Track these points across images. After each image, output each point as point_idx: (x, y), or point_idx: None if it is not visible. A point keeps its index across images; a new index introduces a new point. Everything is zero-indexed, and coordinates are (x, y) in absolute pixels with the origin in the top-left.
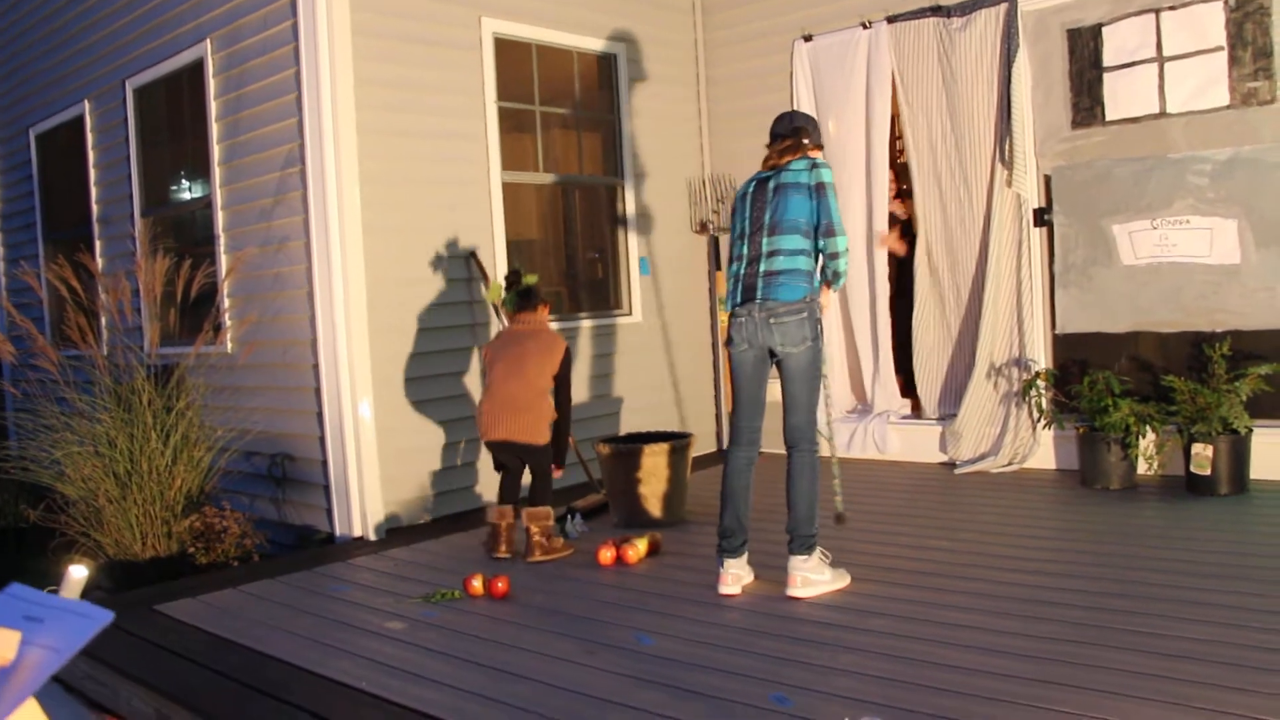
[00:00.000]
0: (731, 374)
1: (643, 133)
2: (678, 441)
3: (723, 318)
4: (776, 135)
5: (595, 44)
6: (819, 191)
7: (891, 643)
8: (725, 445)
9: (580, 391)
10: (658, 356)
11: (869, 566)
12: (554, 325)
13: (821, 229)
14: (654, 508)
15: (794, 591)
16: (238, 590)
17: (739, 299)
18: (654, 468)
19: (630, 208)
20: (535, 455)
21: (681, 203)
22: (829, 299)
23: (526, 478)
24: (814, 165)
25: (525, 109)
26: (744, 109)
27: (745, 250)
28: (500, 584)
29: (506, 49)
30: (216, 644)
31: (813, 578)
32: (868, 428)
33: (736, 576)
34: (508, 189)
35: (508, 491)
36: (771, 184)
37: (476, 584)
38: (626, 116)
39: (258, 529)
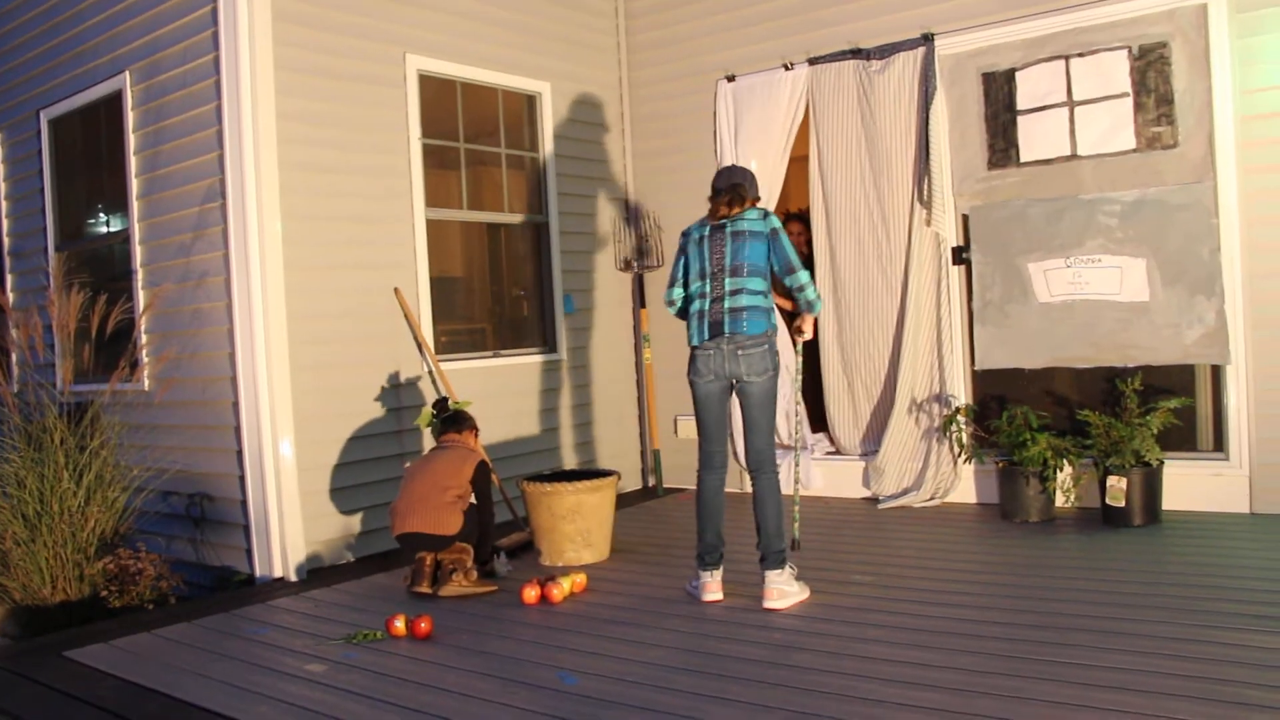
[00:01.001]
0: (697, 405)
1: (567, 171)
2: (602, 479)
3: (647, 353)
4: (719, 190)
5: (520, 82)
6: (773, 237)
7: (816, 677)
8: (654, 480)
9: (505, 429)
10: (582, 394)
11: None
12: (469, 447)
13: (783, 269)
14: (579, 546)
15: (771, 603)
16: (152, 634)
17: (706, 335)
18: (578, 505)
19: (554, 245)
20: (445, 543)
21: (606, 240)
22: (809, 324)
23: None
24: (766, 214)
25: (450, 146)
26: (669, 147)
27: (708, 289)
28: (423, 624)
29: (431, 86)
30: (130, 691)
31: (787, 590)
32: (811, 463)
33: (719, 585)
34: (432, 226)
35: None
36: (729, 230)
37: (399, 624)
38: (551, 155)
39: (175, 570)
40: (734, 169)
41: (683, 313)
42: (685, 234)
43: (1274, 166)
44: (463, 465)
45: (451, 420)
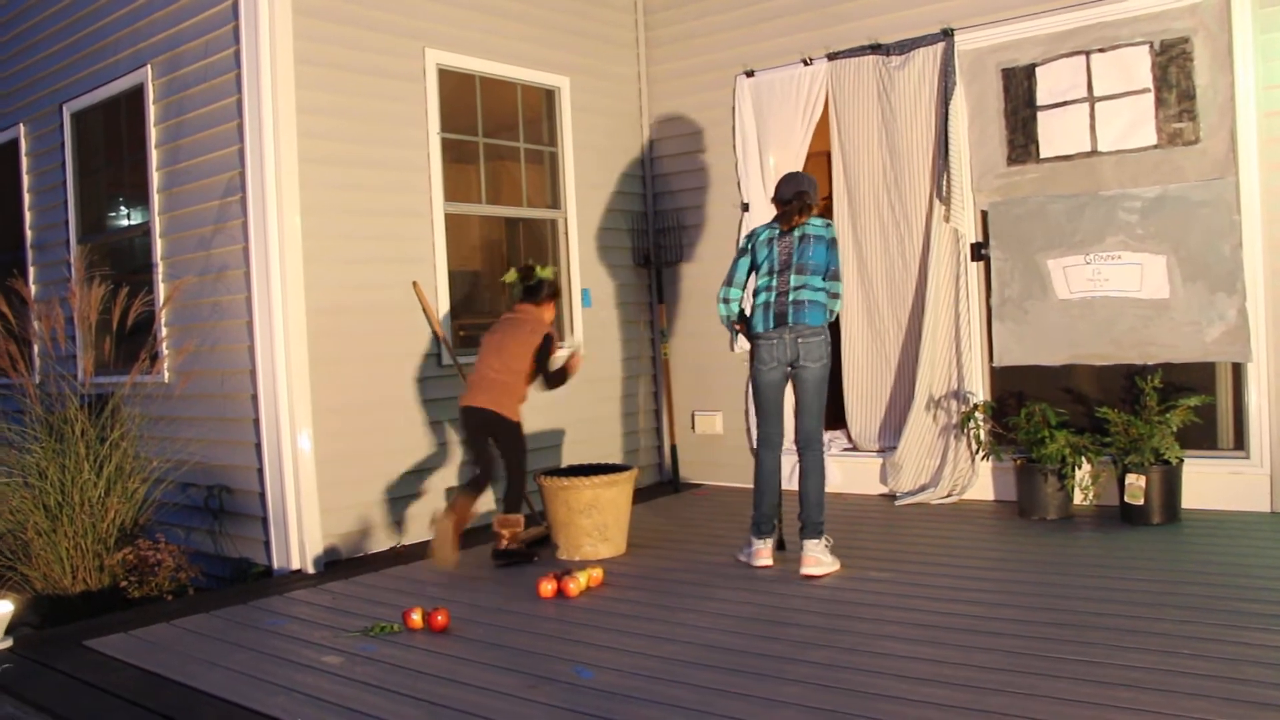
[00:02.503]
0: (758, 390)
1: (586, 165)
2: (620, 474)
3: (665, 348)
4: (788, 199)
5: (539, 77)
6: (832, 245)
7: (832, 673)
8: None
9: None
10: (600, 388)
11: (810, 598)
12: (539, 319)
13: (831, 273)
14: (596, 540)
15: (808, 570)
16: (171, 625)
17: (771, 324)
18: (595, 500)
19: (573, 240)
20: (503, 429)
21: (625, 235)
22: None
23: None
24: (828, 224)
25: (469, 140)
26: (687, 143)
27: (774, 284)
28: (440, 617)
29: (450, 80)
30: (149, 680)
31: (822, 559)
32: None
33: (770, 552)
34: (450, 220)
35: (471, 484)
36: (796, 234)
37: (415, 617)
38: (570, 149)
39: (193, 562)
40: (798, 177)
41: (741, 312)
42: (752, 234)
43: None
44: (530, 340)
45: (530, 290)
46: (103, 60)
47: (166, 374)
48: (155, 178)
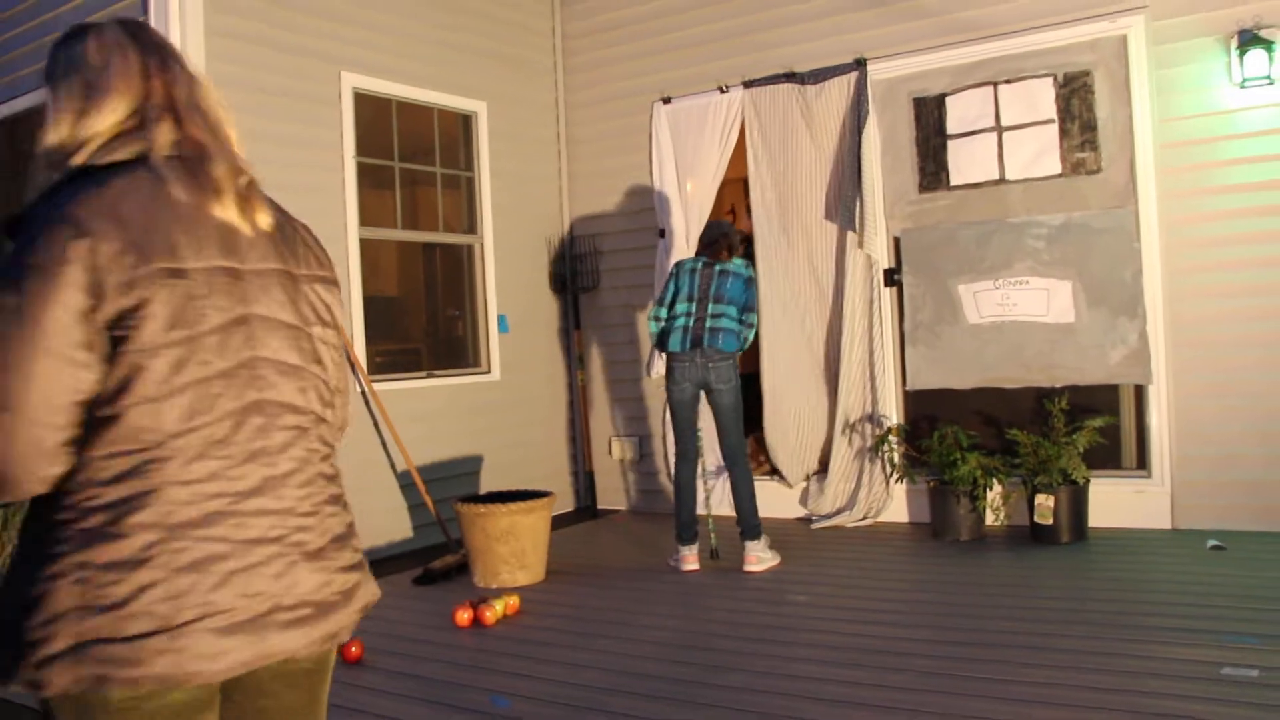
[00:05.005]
0: (673, 407)
1: (503, 191)
2: (537, 500)
3: (581, 375)
4: (714, 240)
5: (456, 101)
6: (750, 283)
7: (748, 697)
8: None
9: (439, 450)
10: (517, 414)
11: (727, 623)
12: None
13: (746, 307)
14: (514, 567)
15: (750, 567)
16: None
17: (687, 345)
18: (513, 527)
19: (490, 266)
20: None
21: (541, 261)
22: None
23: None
24: (748, 264)
25: (385, 165)
26: (604, 169)
27: (693, 310)
28: (353, 648)
29: (366, 104)
30: (14, 713)
31: (763, 555)
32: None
33: (696, 557)
34: (365, 245)
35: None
36: (717, 269)
37: None
38: (487, 174)
39: None
40: (721, 224)
41: (662, 331)
42: (679, 265)
43: (1192, 192)
44: None
45: None
46: (4, 76)
47: None
48: None
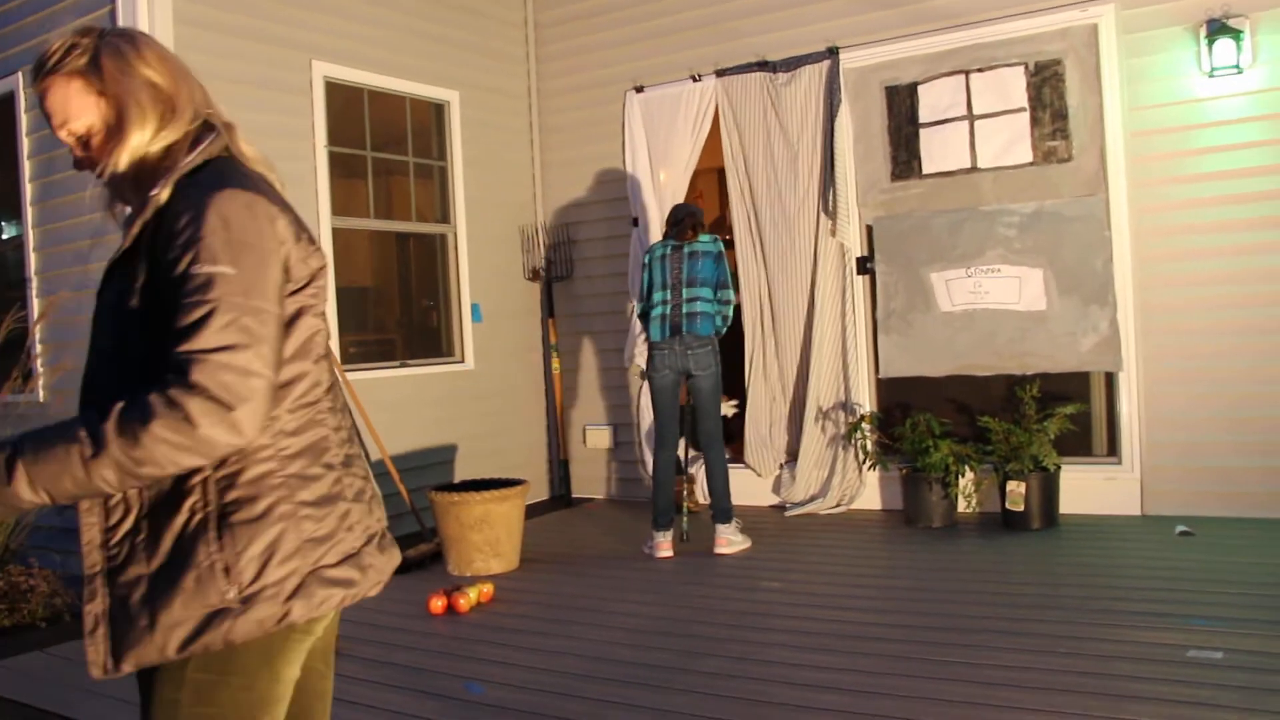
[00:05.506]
0: (654, 394)
1: (476, 180)
2: (511, 489)
3: (555, 363)
4: (680, 220)
5: (428, 90)
6: (720, 259)
7: (722, 683)
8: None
9: (413, 439)
10: (491, 403)
11: (701, 609)
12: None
13: (720, 284)
14: (487, 556)
15: (720, 549)
16: (45, 653)
17: (667, 334)
18: (486, 515)
19: (463, 255)
20: None
21: (515, 250)
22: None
23: None
24: (715, 239)
25: (357, 154)
26: (578, 157)
27: (668, 297)
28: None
29: (338, 93)
30: (21, 713)
31: (733, 539)
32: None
33: (671, 544)
34: (338, 234)
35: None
36: (686, 250)
37: None
38: (460, 163)
39: (69, 587)
40: (686, 205)
41: (643, 317)
42: (649, 252)
43: (1162, 181)
44: None
45: None
46: None
47: (41, 392)
48: (29, 189)
